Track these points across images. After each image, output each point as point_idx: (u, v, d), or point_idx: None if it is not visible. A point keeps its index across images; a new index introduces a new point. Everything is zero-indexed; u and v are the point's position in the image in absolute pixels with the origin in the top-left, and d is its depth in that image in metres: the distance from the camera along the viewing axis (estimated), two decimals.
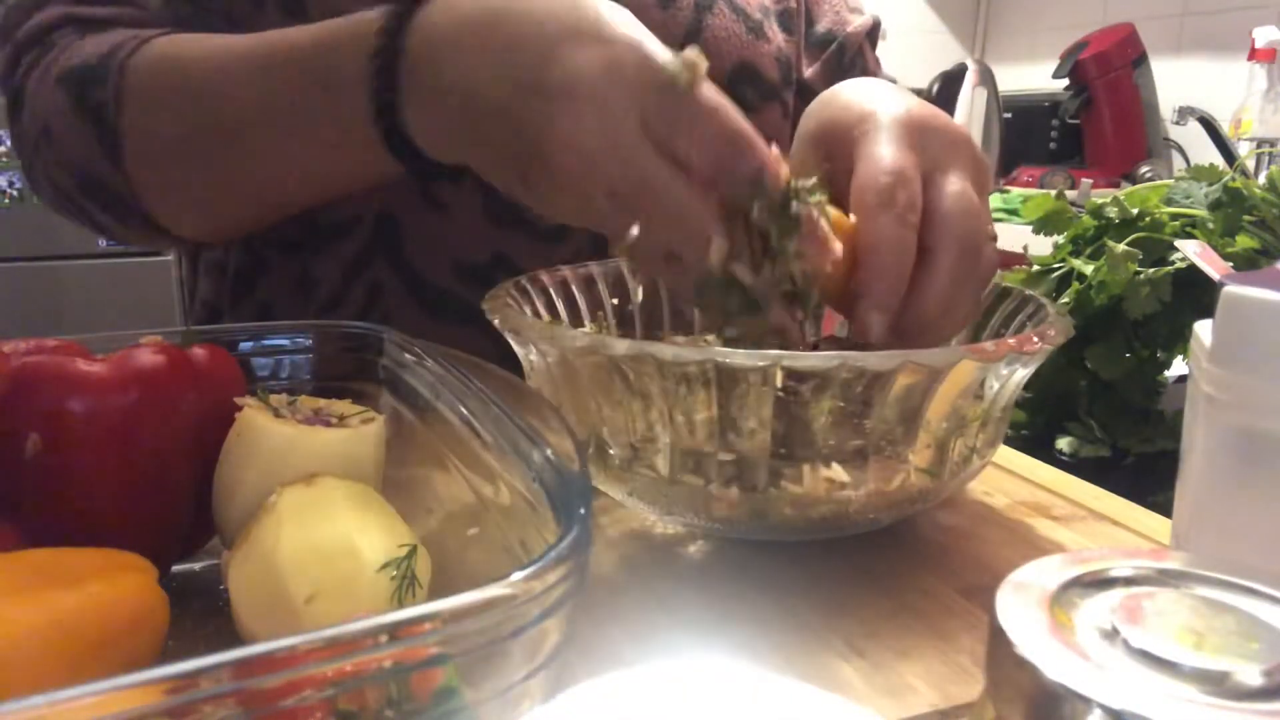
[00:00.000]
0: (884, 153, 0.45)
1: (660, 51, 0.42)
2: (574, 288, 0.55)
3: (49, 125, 0.57)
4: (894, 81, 0.81)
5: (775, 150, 0.43)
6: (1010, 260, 0.78)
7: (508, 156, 0.44)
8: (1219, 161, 1.85)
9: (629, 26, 0.42)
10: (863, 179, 0.44)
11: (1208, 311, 0.32)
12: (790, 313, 0.44)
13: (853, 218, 0.44)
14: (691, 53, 0.41)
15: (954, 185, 0.45)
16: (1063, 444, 0.68)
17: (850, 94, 0.51)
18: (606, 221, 0.42)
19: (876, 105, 0.48)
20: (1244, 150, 1.97)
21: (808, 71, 0.77)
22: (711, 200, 0.42)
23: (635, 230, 0.41)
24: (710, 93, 0.42)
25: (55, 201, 0.61)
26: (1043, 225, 0.74)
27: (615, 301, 0.57)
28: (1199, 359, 0.33)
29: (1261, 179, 0.68)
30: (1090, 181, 2.02)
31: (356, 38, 0.47)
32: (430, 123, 0.47)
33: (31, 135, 0.58)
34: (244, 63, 0.53)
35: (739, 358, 0.38)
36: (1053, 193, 0.74)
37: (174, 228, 0.59)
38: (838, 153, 0.48)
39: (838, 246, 0.43)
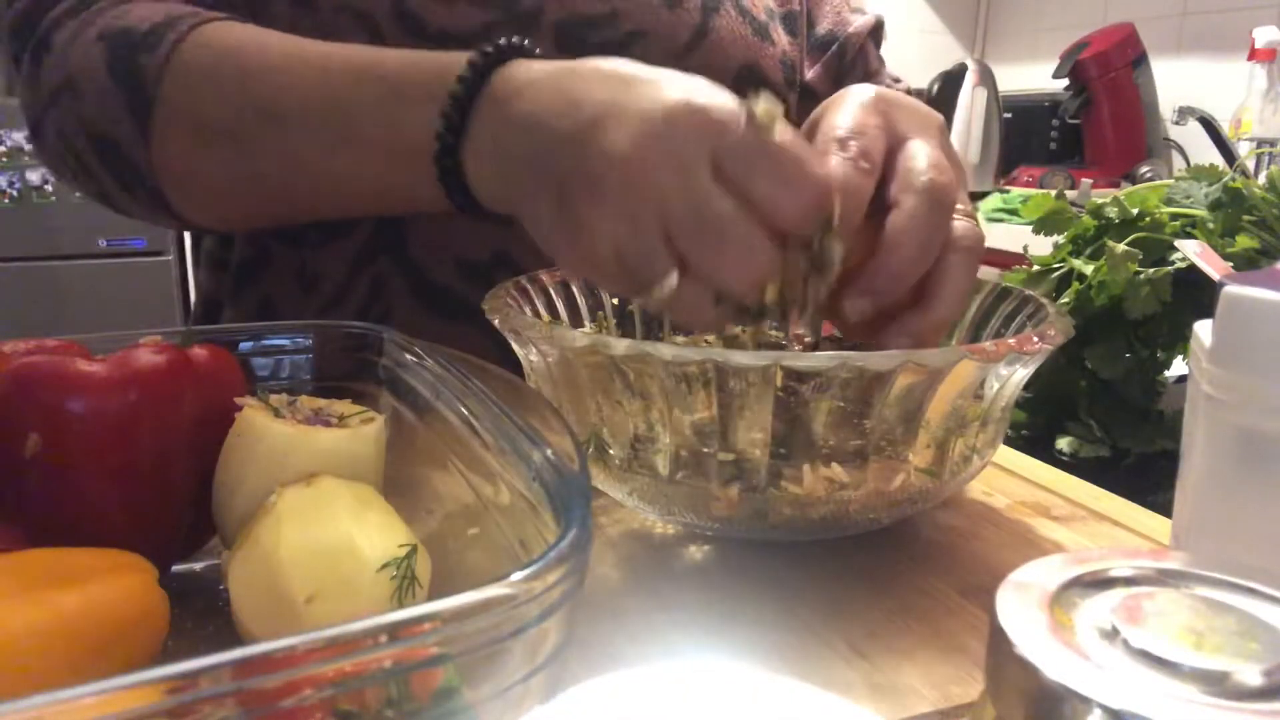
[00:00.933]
0: (843, 115, 0.44)
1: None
2: (574, 288, 0.55)
3: (75, 80, 0.56)
4: (898, 81, 0.81)
5: None
6: (1010, 260, 0.78)
7: (557, 185, 0.42)
8: (1219, 161, 1.86)
9: (712, 86, 0.41)
10: (819, 136, 0.43)
11: (1208, 311, 0.32)
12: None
13: None
14: (767, 98, 0.40)
15: (922, 146, 0.44)
16: (1063, 444, 0.68)
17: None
18: (647, 258, 0.40)
19: (847, 90, 0.47)
20: (1244, 150, 1.97)
21: (809, 73, 0.77)
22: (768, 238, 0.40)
23: (675, 279, 0.39)
24: (792, 136, 0.40)
25: (59, 159, 0.59)
26: (1043, 225, 0.74)
27: (615, 301, 0.57)
28: (1199, 359, 0.33)
29: (1261, 179, 0.68)
30: (1090, 181, 2.02)
31: (444, 64, 0.47)
32: (488, 157, 0.46)
33: (50, 87, 0.57)
34: (314, 58, 0.52)
35: (739, 358, 0.38)
36: (1053, 193, 0.74)
37: (181, 208, 0.58)
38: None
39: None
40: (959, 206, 0.44)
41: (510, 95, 0.45)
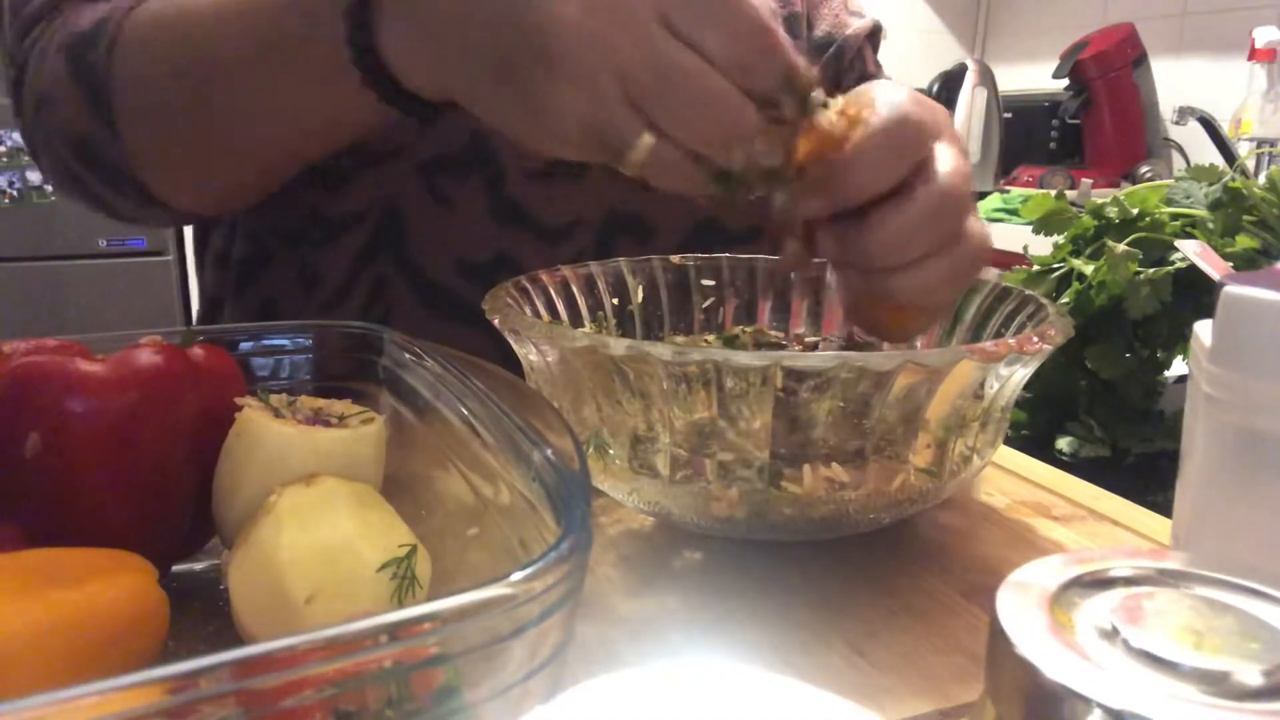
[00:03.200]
0: (896, 97, 0.43)
1: None
2: (574, 288, 0.55)
3: (46, 94, 0.57)
4: None
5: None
6: (1010, 260, 0.78)
7: (500, 63, 0.40)
8: (1219, 161, 1.86)
9: None
10: (880, 107, 0.42)
11: (1208, 311, 0.32)
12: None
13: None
14: None
15: (947, 156, 0.43)
16: (1063, 444, 0.68)
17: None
18: (616, 124, 0.38)
19: (875, 87, 0.46)
20: (1244, 150, 1.97)
21: None
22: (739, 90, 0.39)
23: (648, 138, 0.38)
24: None
25: (55, 174, 0.60)
26: (1043, 225, 0.74)
27: (615, 301, 0.57)
28: (1199, 359, 0.33)
29: (1261, 179, 0.68)
30: (1090, 181, 2.02)
31: None
32: (411, 44, 0.44)
33: (30, 105, 0.58)
34: (233, 5, 0.51)
35: (739, 358, 0.38)
36: (1053, 193, 0.74)
37: (166, 195, 0.58)
38: None
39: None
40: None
41: None
